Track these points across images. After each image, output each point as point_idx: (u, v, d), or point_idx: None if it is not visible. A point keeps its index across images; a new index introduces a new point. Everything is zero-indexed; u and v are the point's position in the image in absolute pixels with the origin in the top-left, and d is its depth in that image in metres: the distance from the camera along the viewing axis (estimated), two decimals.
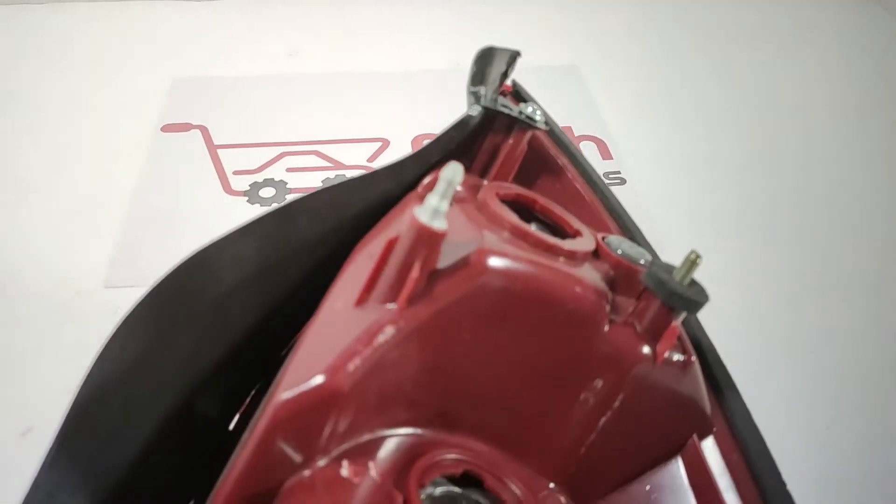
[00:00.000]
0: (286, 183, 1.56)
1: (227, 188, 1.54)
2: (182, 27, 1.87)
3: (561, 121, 1.63)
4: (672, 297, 0.57)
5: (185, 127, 1.67)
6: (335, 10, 1.97)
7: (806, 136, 1.56)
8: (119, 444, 0.56)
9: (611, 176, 1.51)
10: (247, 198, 1.53)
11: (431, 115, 1.59)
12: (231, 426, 0.74)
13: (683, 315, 0.59)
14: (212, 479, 0.56)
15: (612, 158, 1.58)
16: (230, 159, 1.59)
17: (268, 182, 1.57)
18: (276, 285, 0.64)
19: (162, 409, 0.59)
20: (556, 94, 1.69)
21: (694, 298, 0.57)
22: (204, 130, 1.65)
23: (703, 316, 0.76)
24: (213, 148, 1.62)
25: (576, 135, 1.62)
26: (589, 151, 1.53)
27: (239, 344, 0.64)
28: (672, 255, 1.23)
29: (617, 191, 1.46)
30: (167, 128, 1.66)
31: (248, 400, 0.76)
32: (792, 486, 0.69)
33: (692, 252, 0.59)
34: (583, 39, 1.91)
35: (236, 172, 1.58)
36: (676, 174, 1.45)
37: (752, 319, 1.12)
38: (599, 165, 1.53)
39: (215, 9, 1.93)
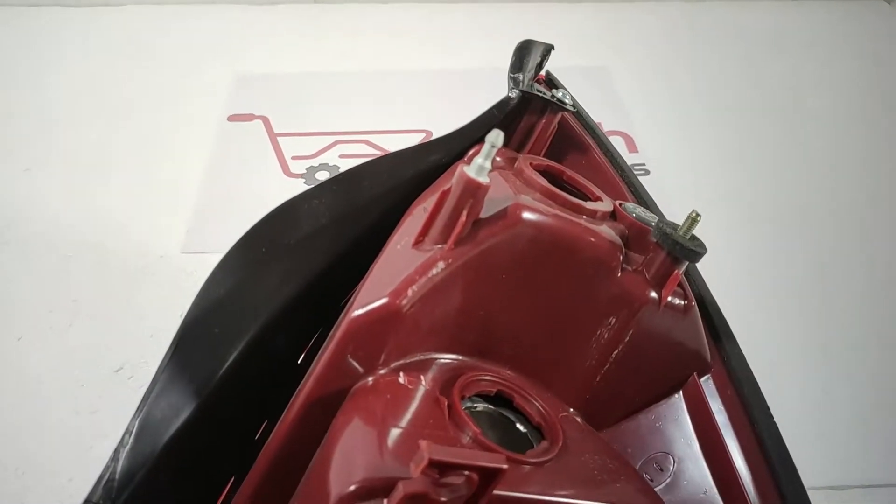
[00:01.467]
0: (339, 168, 1.66)
1: (286, 171, 1.66)
2: (245, 28, 1.99)
3: (592, 117, 1.71)
4: (675, 248, 0.66)
5: (249, 117, 1.79)
6: (384, 15, 2.07)
7: (822, 134, 1.61)
8: (216, 355, 0.67)
9: (636, 168, 1.58)
10: (304, 180, 1.64)
11: (471, 110, 1.68)
12: (299, 361, 0.85)
13: (685, 264, 0.68)
14: (282, 405, 0.66)
15: (637, 152, 1.66)
16: (289, 146, 1.71)
17: (322, 167, 1.68)
18: (344, 235, 0.74)
19: (249, 332, 0.69)
20: (586, 93, 1.75)
21: (694, 249, 0.66)
22: (265, 120, 1.77)
23: (716, 282, 0.84)
24: (273, 136, 1.75)
25: (605, 130, 1.69)
26: (616, 145, 1.60)
27: (311, 284, 0.74)
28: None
29: (642, 181, 1.54)
30: (233, 118, 1.78)
31: (312, 341, 0.87)
32: (781, 420, 0.77)
33: (693, 211, 0.67)
34: (613, 43, 1.99)
35: (294, 158, 1.70)
36: (696, 166, 1.52)
37: (760, 293, 1.19)
38: (626, 158, 1.60)
39: (276, 12, 2.05)
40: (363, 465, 0.52)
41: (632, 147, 1.65)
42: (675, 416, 0.75)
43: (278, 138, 1.73)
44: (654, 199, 1.01)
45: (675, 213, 1.38)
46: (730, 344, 0.76)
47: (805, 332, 1.18)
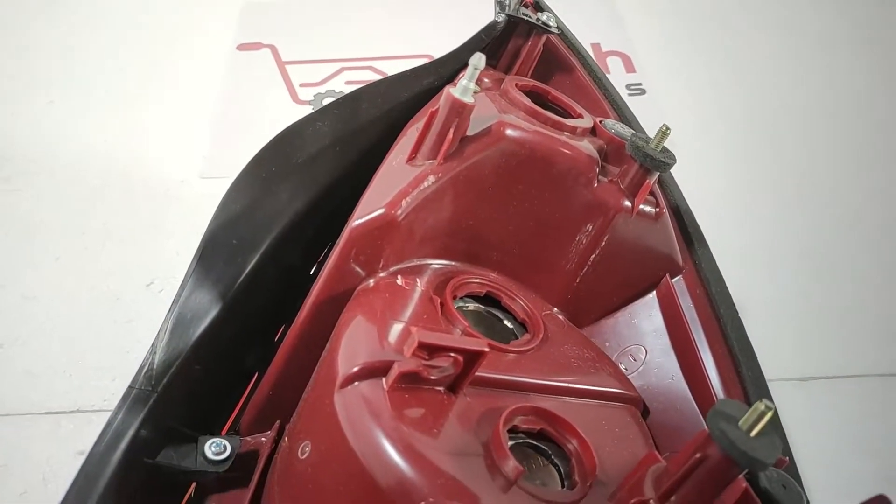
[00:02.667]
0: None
1: (295, 98, 1.69)
2: None
3: (591, 38, 1.72)
4: (646, 159, 0.71)
5: (257, 46, 1.80)
6: None
7: (818, 56, 1.60)
8: (235, 263, 0.74)
9: (632, 87, 1.60)
10: (312, 107, 1.66)
11: (470, 34, 1.68)
12: (311, 272, 0.92)
13: (656, 175, 0.73)
14: (298, 310, 0.73)
15: (635, 72, 1.66)
16: (297, 74, 1.73)
17: (329, 93, 1.71)
18: (345, 155, 0.79)
19: (264, 243, 0.76)
20: (587, 15, 1.76)
21: (663, 160, 0.71)
22: (273, 49, 1.79)
23: (699, 192, 0.89)
24: (281, 64, 1.77)
25: (603, 50, 1.70)
26: (615, 65, 1.62)
27: (318, 200, 0.80)
28: (683, 151, 1.36)
29: (637, 100, 1.56)
30: (242, 47, 1.79)
31: (322, 255, 0.94)
32: (751, 319, 0.83)
33: (664, 125, 0.72)
34: None
35: (302, 85, 1.72)
36: (691, 86, 1.53)
37: (739, 201, 1.24)
38: (623, 78, 1.62)
39: None
40: (365, 351, 0.59)
41: (630, 67, 1.65)
42: (649, 313, 0.82)
43: (286, 66, 1.75)
44: (649, 116, 1.04)
45: (673, 139, 1.41)
46: (701, 248, 0.82)
47: (776, 236, 1.23)
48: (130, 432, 0.64)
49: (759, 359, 0.92)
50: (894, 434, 0.89)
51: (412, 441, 0.53)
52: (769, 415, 0.45)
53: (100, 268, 1.13)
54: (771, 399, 0.72)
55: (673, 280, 0.80)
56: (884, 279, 1.11)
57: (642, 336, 0.80)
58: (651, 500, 0.49)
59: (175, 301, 0.71)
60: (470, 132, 0.69)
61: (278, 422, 0.79)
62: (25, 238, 1.18)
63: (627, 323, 0.82)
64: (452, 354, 0.56)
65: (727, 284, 0.82)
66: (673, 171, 0.88)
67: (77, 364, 0.97)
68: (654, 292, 0.81)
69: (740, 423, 0.46)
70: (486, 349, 0.57)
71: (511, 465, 0.53)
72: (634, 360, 0.79)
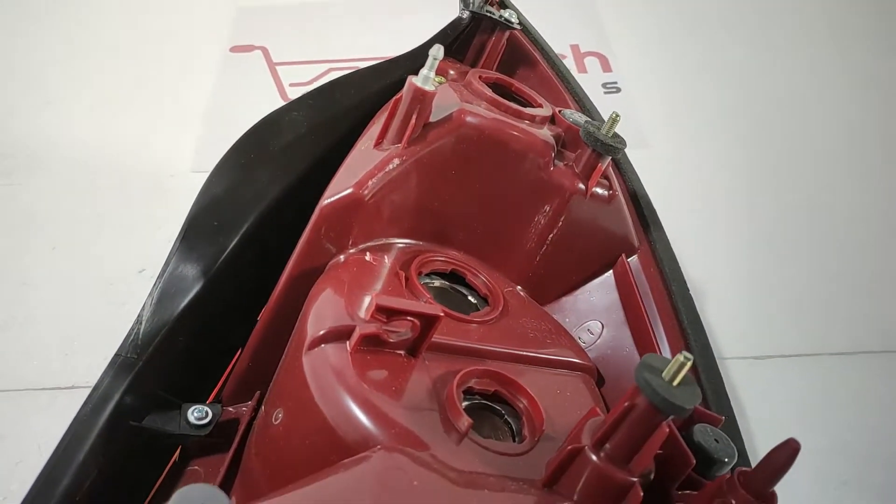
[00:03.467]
0: None
1: (284, 97, 1.72)
2: None
3: (570, 39, 1.76)
4: (598, 144, 0.75)
5: (249, 48, 1.84)
6: None
7: (789, 54, 1.64)
8: (216, 243, 0.77)
9: (608, 85, 1.64)
10: None
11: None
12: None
13: (608, 159, 0.77)
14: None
15: (611, 71, 1.71)
16: (286, 74, 1.77)
17: None
18: (320, 142, 0.83)
19: (243, 225, 0.79)
20: (568, 18, 1.80)
21: (614, 145, 0.75)
22: (265, 51, 1.83)
23: (660, 180, 0.93)
24: (272, 65, 1.80)
25: (582, 51, 1.74)
26: (592, 65, 1.66)
27: (296, 185, 0.83)
28: (656, 147, 1.41)
29: (613, 98, 1.60)
30: (235, 49, 1.83)
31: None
32: (708, 298, 0.87)
33: (614, 112, 0.76)
34: None
35: (292, 84, 1.76)
36: (663, 84, 1.57)
37: (705, 193, 1.29)
38: (600, 77, 1.66)
39: None
40: (331, 316, 0.63)
41: (606, 67, 1.69)
42: (606, 291, 0.85)
43: (277, 67, 1.79)
44: (623, 112, 1.08)
45: (642, 125, 1.45)
46: (656, 230, 0.86)
47: (734, 222, 1.27)
48: (116, 396, 0.67)
49: (716, 338, 0.97)
50: (844, 409, 0.93)
51: (370, 397, 0.57)
52: (688, 365, 0.49)
53: (94, 256, 1.17)
54: (716, 365, 0.76)
55: (629, 259, 0.84)
56: (837, 264, 1.15)
57: (599, 312, 0.84)
58: (586, 447, 0.53)
59: (160, 276, 0.75)
60: (433, 119, 0.73)
61: (258, 392, 0.82)
62: (24, 229, 1.22)
63: (586, 300, 0.86)
64: (410, 318, 0.60)
65: (687, 268, 0.86)
66: (643, 161, 0.93)
67: (72, 344, 1.01)
68: (611, 271, 0.85)
69: (663, 373, 0.50)
70: (441, 314, 0.61)
71: (463, 418, 0.57)
72: (591, 333, 0.83)
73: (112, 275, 1.12)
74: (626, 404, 0.51)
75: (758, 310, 1.06)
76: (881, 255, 1.16)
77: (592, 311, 0.84)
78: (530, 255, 0.80)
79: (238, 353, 0.87)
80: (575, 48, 1.71)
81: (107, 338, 0.88)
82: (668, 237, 0.89)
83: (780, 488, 0.71)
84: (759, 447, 0.85)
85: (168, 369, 0.75)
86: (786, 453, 0.49)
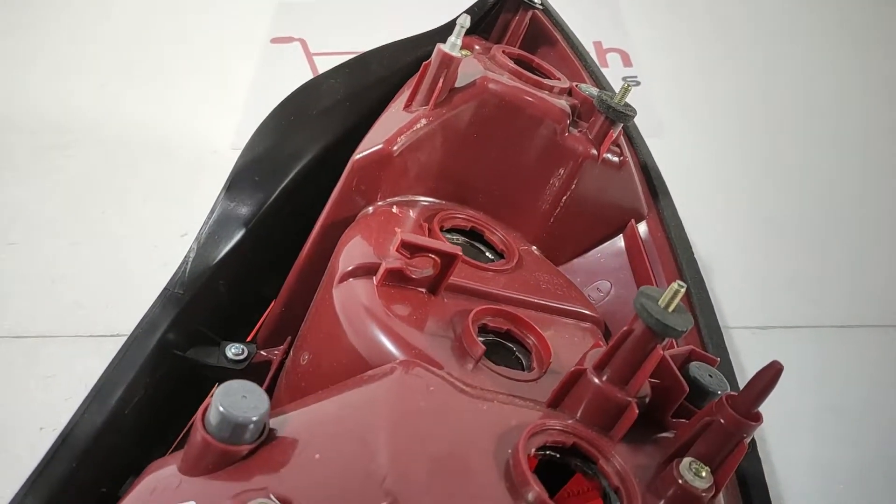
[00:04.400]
0: None
1: None
2: None
3: (593, 36, 1.80)
4: (610, 111, 0.79)
5: (289, 40, 1.92)
6: None
7: (801, 66, 1.65)
8: (257, 197, 0.83)
9: (628, 79, 1.67)
10: None
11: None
12: None
13: (620, 126, 0.81)
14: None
15: (631, 66, 1.75)
16: (322, 64, 1.82)
17: None
18: (355, 108, 0.88)
19: (283, 181, 0.85)
20: (592, 16, 1.83)
21: (624, 112, 0.79)
22: (303, 42, 1.90)
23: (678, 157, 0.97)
24: (310, 55, 1.86)
25: (604, 47, 1.78)
26: (614, 61, 1.70)
27: (331, 147, 0.89)
28: (671, 131, 1.44)
29: (632, 90, 1.63)
30: (275, 40, 1.91)
31: None
32: (713, 265, 0.90)
33: (626, 82, 0.80)
34: None
35: None
36: (680, 77, 1.61)
37: (717, 172, 1.32)
38: (621, 71, 1.69)
39: None
40: (360, 255, 0.68)
41: (627, 62, 1.72)
42: (616, 253, 0.89)
43: (314, 57, 1.84)
44: (642, 102, 1.12)
45: (660, 115, 1.48)
46: (664, 198, 0.89)
47: (743, 198, 1.30)
48: (163, 325, 0.73)
49: (721, 307, 1.00)
50: (842, 378, 0.95)
51: (393, 325, 0.62)
52: (682, 292, 0.53)
53: (140, 221, 1.23)
54: (717, 323, 0.79)
55: (637, 225, 0.88)
56: (840, 239, 1.17)
57: (608, 273, 0.88)
58: (588, 370, 0.57)
59: (204, 223, 0.81)
60: (458, 85, 0.77)
61: (289, 337, 0.88)
62: (77, 195, 1.30)
63: (596, 262, 0.90)
64: (431, 256, 0.65)
65: (695, 239, 0.90)
66: (659, 147, 0.96)
67: (117, 297, 1.07)
68: (621, 235, 0.89)
69: (659, 301, 0.54)
70: (459, 252, 0.66)
71: (477, 346, 0.61)
72: (600, 291, 0.86)
73: (156, 238, 1.18)
74: (624, 329, 0.55)
75: (761, 282, 1.08)
76: (881, 233, 1.18)
77: (602, 272, 0.87)
78: (545, 217, 0.84)
79: (271, 304, 0.92)
80: (598, 45, 1.75)
81: (149, 293, 0.92)
82: (678, 209, 0.93)
83: (784, 445, 0.74)
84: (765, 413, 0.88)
85: (210, 309, 0.80)
86: (769, 374, 0.52)
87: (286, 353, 0.84)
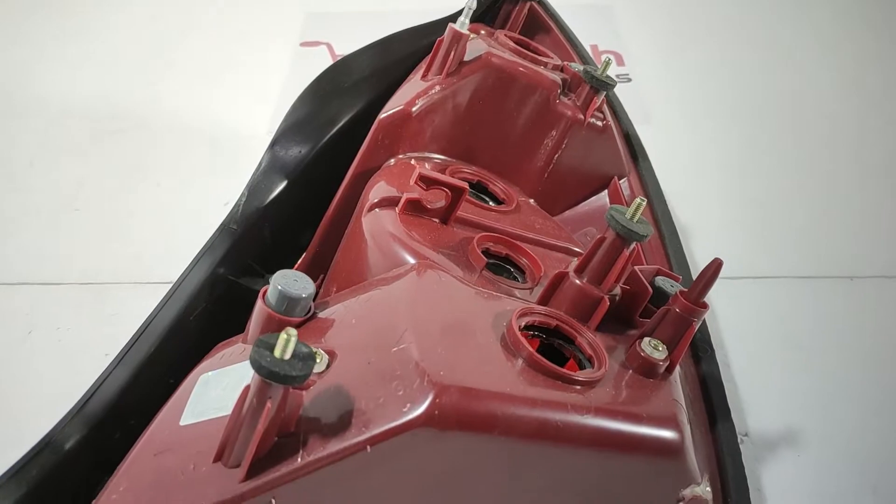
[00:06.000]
0: None
1: None
2: None
3: (590, 40, 1.90)
4: (594, 81, 0.89)
5: (316, 44, 2.04)
6: None
7: (796, 68, 1.74)
8: (297, 153, 0.94)
9: (620, 76, 1.78)
10: None
11: None
12: None
13: (603, 93, 0.92)
14: None
15: (624, 66, 1.86)
16: None
17: None
18: (380, 82, 0.99)
19: (320, 141, 0.96)
20: (589, 23, 1.92)
21: (607, 81, 0.90)
22: (329, 46, 2.03)
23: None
24: (334, 56, 1.97)
25: (600, 50, 1.89)
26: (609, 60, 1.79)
27: (359, 114, 0.99)
28: (657, 119, 1.54)
29: (624, 85, 1.73)
30: (304, 44, 2.03)
31: None
32: (691, 217, 1.00)
33: (607, 57, 0.91)
34: None
35: None
36: (668, 75, 1.71)
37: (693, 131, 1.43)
38: (614, 70, 1.77)
39: None
40: (384, 191, 0.79)
41: (620, 62, 1.83)
42: (601, 206, 0.99)
43: (338, 58, 1.97)
44: (632, 97, 1.22)
45: (647, 106, 1.58)
46: (643, 160, 0.99)
47: (721, 146, 1.41)
48: (221, 252, 0.84)
49: (694, 258, 1.10)
50: (812, 329, 1.03)
51: (411, 243, 0.72)
52: (643, 205, 0.63)
53: (189, 193, 1.35)
54: (684, 253, 0.89)
55: (620, 182, 0.98)
56: (807, 192, 1.26)
57: (595, 222, 0.97)
58: (570, 272, 0.67)
59: (253, 174, 0.92)
60: (467, 59, 0.88)
61: (322, 275, 0.98)
62: (132, 173, 1.42)
63: (585, 213, 1.00)
64: (443, 189, 0.76)
65: (668, 192, 1.00)
66: (647, 133, 1.06)
67: (170, 251, 1.17)
68: (606, 191, 0.99)
69: (626, 214, 0.64)
70: (466, 186, 0.76)
71: (480, 259, 0.71)
72: (588, 237, 0.96)
73: (202, 206, 1.29)
74: (598, 237, 0.65)
75: (732, 231, 1.18)
76: (839, 195, 1.27)
77: (589, 221, 0.97)
78: (540, 174, 0.95)
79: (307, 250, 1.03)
80: (594, 47, 1.85)
81: (195, 248, 0.99)
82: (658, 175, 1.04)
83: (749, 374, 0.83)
84: (734, 363, 0.97)
85: (256, 248, 0.91)
86: (712, 269, 0.62)
87: (319, 287, 0.95)
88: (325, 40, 2.05)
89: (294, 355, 0.46)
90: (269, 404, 0.47)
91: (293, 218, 0.96)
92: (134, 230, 1.25)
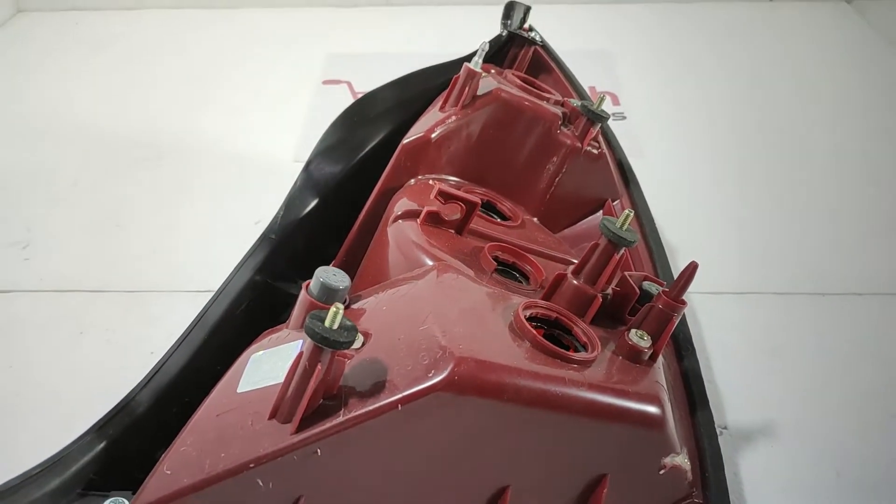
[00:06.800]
0: None
1: None
2: (335, 23, 2.39)
3: (588, 82, 2.03)
4: (590, 114, 1.00)
5: (337, 82, 2.16)
6: (439, 14, 2.40)
7: (783, 112, 1.84)
8: (329, 173, 1.04)
9: (616, 115, 1.89)
10: None
11: None
12: None
13: (598, 125, 1.02)
14: None
15: (619, 105, 1.97)
16: None
17: None
18: (402, 113, 1.10)
19: (349, 164, 1.06)
20: (588, 67, 2.04)
21: (601, 114, 1.00)
22: (349, 84, 2.15)
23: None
24: (354, 94, 2.09)
25: (598, 91, 2.00)
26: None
27: (384, 141, 1.10)
28: (651, 156, 1.65)
29: (619, 123, 1.84)
30: (326, 82, 2.15)
31: None
32: (673, 235, 1.09)
33: (601, 94, 1.01)
34: (612, 33, 2.30)
35: None
36: (660, 115, 1.83)
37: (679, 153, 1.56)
38: (610, 109, 1.88)
39: (356, 12, 2.44)
40: (405, 205, 0.88)
41: (616, 102, 1.94)
42: (597, 225, 1.07)
43: (358, 95, 2.09)
44: (626, 132, 1.32)
45: (641, 141, 1.68)
46: (634, 185, 1.09)
47: (704, 174, 1.50)
48: (261, 259, 0.93)
49: (677, 267, 1.18)
50: (786, 339, 1.11)
51: (429, 248, 0.81)
52: (631, 216, 0.72)
53: (221, 212, 1.45)
54: (668, 263, 0.98)
55: (613, 203, 1.07)
56: (782, 215, 1.36)
57: (591, 238, 1.05)
58: (568, 273, 0.75)
59: (290, 190, 1.02)
60: (479, 93, 0.99)
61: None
62: (169, 194, 1.52)
63: (582, 231, 1.08)
64: (459, 203, 0.85)
65: (656, 212, 1.09)
66: (640, 167, 1.17)
67: (204, 263, 1.26)
68: (601, 211, 1.08)
69: (616, 223, 0.73)
70: (479, 200, 0.86)
71: (490, 263, 0.80)
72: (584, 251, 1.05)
73: (234, 224, 1.39)
74: (593, 243, 0.74)
75: (716, 248, 1.27)
76: (816, 215, 1.37)
77: (586, 238, 1.05)
78: (542, 195, 1.04)
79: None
80: (592, 88, 1.96)
81: (232, 260, 1.07)
82: (647, 195, 1.13)
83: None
84: (715, 369, 1.04)
85: (291, 257, 1.00)
86: (689, 271, 0.70)
87: None
88: (345, 79, 2.18)
89: (340, 326, 0.55)
90: (319, 367, 0.55)
91: (323, 230, 1.05)
92: (171, 245, 1.34)
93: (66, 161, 1.65)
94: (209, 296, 1.01)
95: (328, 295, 0.69)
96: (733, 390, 1.00)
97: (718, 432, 0.91)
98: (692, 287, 1.19)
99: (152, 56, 2.15)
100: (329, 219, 1.04)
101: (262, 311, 0.88)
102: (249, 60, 2.14)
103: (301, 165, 1.10)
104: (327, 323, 0.54)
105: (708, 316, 1.14)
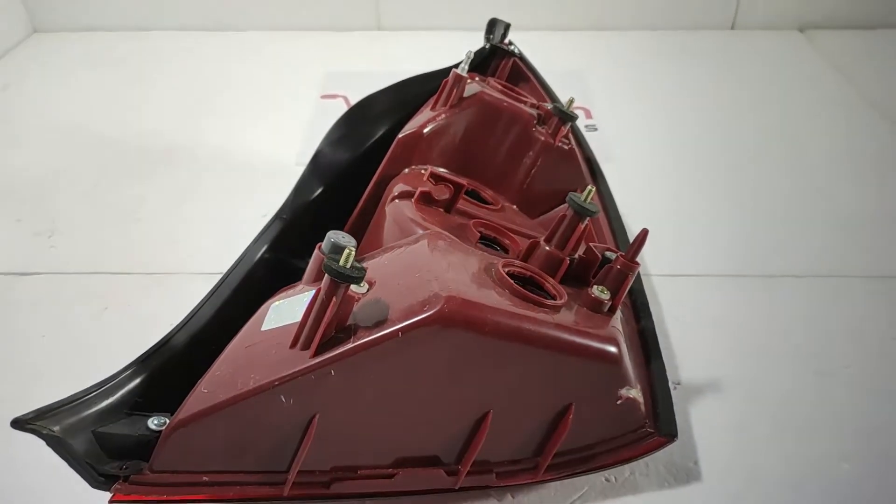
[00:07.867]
0: None
1: None
2: (332, 45, 2.51)
3: (563, 96, 2.16)
4: (561, 114, 1.11)
5: (334, 96, 2.28)
6: (431, 40, 2.52)
7: (741, 134, 1.97)
8: (330, 167, 1.14)
9: (589, 126, 2.02)
10: None
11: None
12: None
13: (568, 124, 1.13)
14: None
15: (592, 118, 2.10)
16: None
17: None
18: (398, 113, 1.20)
19: (351, 158, 1.17)
20: (565, 85, 2.16)
21: (571, 114, 1.11)
22: (346, 98, 2.26)
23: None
24: (350, 106, 2.22)
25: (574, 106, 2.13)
26: (579, 114, 2.02)
27: (382, 138, 1.20)
28: (619, 160, 1.77)
29: (592, 133, 1.97)
30: (324, 96, 2.27)
31: None
32: (638, 219, 1.20)
33: (570, 98, 1.13)
34: (587, 52, 2.44)
35: None
36: (629, 125, 1.96)
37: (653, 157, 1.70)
38: (583, 121, 2.02)
39: (352, 37, 2.56)
40: (401, 188, 0.99)
41: (588, 115, 2.07)
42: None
43: None
44: (598, 141, 1.44)
45: (610, 147, 1.80)
46: (601, 178, 1.20)
47: (666, 174, 1.63)
48: (273, 235, 1.03)
49: (646, 258, 1.29)
50: (736, 316, 1.21)
51: (422, 222, 0.91)
52: (593, 191, 0.83)
53: (233, 207, 1.53)
54: (629, 243, 1.08)
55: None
56: (736, 205, 1.47)
57: None
58: (540, 241, 0.86)
59: (299, 179, 1.12)
60: (465, 95, 1.10)
61: None
62: (184, 193, 1.60)
63: (555, 217, 1.19)
64: (448, 185, 0.96)
65: (622, 207, 1.21)
66: (610, 170, 1.28)
67: (218, 250, 1.33)
68: None
69: (581, 197, 0.84)
70: (466, 182, 0.96)
71: (475, 235, 0.91)
72: None
73: (244, 217, 1.47)
74: (561, 214, 0.85)
75: (673, 232, 1.38)
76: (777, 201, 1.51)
77: None
78: (520, 185, 1.14)
79: None
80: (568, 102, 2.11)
81: (241, 246, 1.15)
82: (613, 190, 1.25)
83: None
84: (674, 345, 1.14)
85: (300, 237, 1.10)
86: (641, 236, 0.81)
87: None
88: (342, 93, 2.27)
89: (352, 265, 0.65)
90: (334, 299, 0.65)
91: (327, 213, 1.14)
92: (187, 235, 1.43)
93: (86, 166, 1.73)
94: (217, 276, 1.07)
95: (337, 251, 0.79)
96: (686, 355, 1.10)
97: (672, 387, 1.01)
98: (654, 270, 1.31)
99: (163, 73, 2.25)
100: (333, 203, 1.14)
101: (275, 275, 0.98)
102: (253, 78, 2.25)
103: (302, 169, 1.20)
104: (342, 261, 0.64)
105: (667, 295, 1.24)
